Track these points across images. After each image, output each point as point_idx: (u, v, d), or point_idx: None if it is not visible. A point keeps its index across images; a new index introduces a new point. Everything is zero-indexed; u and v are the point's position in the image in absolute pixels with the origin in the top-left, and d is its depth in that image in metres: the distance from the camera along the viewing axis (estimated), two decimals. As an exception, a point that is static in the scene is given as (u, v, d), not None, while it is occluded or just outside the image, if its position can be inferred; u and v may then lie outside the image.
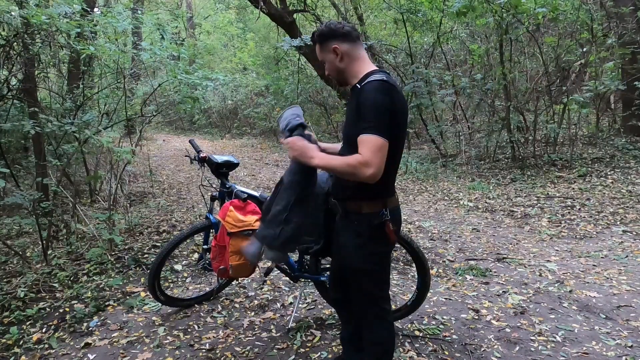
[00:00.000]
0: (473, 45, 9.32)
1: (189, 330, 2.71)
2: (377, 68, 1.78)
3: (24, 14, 3.59)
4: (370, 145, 1.56)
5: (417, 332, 2.60)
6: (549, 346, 2.44)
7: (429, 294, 2.75)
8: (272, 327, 2.72)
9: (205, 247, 2.84)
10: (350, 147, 1.67)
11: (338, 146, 1.94)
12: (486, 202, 5.86)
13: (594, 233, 4.50)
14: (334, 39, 1.77)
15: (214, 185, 3.12)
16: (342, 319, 2.18)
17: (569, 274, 3.47)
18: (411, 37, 9.69)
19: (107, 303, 3.08)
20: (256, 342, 2.55)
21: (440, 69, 10.07)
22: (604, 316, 2.77)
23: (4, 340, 2.63)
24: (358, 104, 1.64)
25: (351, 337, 2.13)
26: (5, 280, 3.42)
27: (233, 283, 3.27)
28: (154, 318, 2.86)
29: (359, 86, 1.69)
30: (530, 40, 8.12)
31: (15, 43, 3.99)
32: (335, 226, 1.91)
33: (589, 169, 6.47)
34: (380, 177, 1.59)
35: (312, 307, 2.97)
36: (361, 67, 1.77)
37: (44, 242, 3.76)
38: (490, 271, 3.59)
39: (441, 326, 2.67)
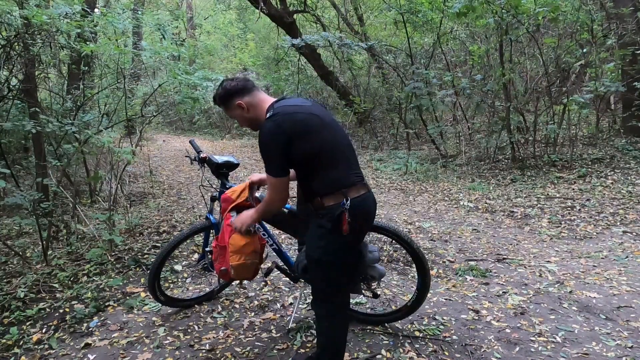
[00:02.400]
0: (473, 46, 9.33)
1: (189, 330, 2.71)
2: (274, 101, 1.94)
3: (25, 14, 3.59)
4: (268, 184, 1.89)
5: (417, 333, 2.60)
6: (549, 347, 2.44)
7: (429, 295, 2.75)
8: (272, 327, 2.72)
9: (207, 249, 2.84)
10: None
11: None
12: (486, 203, 5.86)
13: (594, 234, 4.50)
14: (235, 96, 1.96)
15: (214, 186, 3.12)
16: None
17: (569, 274, 3.47)
18: (411, 38, 9.69)
19: (107, 303, 3.08)
20: (256, 343, 2.55)
21: (440, 70, 10.08)
22: (604, 317, 2.76)
23: (4, 341, 2.63)
24: None
25: None
26: (5, 280, 3.42)
27: (233, 283, 3.27)
28: (154, 318, 2.86)
29: None
30: (530, 41, 8.12)
31: (15, 43, 4.00)
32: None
33: (589, 169, 6.47)
34: (317, 181, 1.87)
35: (312, 307, 2.97)
36: (264, 107, 1.94)
37: (44, 242, 3.76)
38: (490, 272, 3.59)
39: (441, 327, 2.67)
